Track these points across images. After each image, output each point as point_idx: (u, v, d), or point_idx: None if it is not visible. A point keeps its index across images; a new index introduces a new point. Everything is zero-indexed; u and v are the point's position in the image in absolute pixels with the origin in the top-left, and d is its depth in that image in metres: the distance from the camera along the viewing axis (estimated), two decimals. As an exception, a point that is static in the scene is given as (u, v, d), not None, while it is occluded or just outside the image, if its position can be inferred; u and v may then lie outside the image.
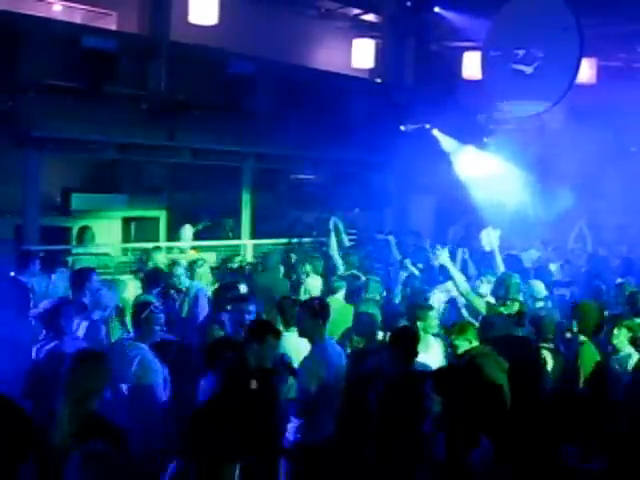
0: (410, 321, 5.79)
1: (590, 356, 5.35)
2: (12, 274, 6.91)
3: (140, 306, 5.18)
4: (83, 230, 10.02)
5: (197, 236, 10.94)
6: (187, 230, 10.39)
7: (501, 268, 7.65)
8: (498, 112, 11.58)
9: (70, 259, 9.19)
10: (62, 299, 5.66)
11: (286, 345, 5.21)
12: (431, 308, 6.04)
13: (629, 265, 9.07)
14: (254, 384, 4.41)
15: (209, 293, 7.17)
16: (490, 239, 7.95)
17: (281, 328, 5.40)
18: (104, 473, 2.82)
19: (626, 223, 11.86)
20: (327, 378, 4.74)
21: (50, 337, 5.04)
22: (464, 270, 7.79)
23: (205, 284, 7.55)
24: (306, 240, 11.22)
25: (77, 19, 11.83)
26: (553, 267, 9.15)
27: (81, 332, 5.57)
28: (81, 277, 6.43)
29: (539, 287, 7.37)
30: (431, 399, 3.58)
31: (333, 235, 9.00)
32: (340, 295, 7.06)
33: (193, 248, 10.26)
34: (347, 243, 9.84)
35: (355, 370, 5.14)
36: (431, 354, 5.53)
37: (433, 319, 5.82)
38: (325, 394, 4.72)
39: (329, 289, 7.34)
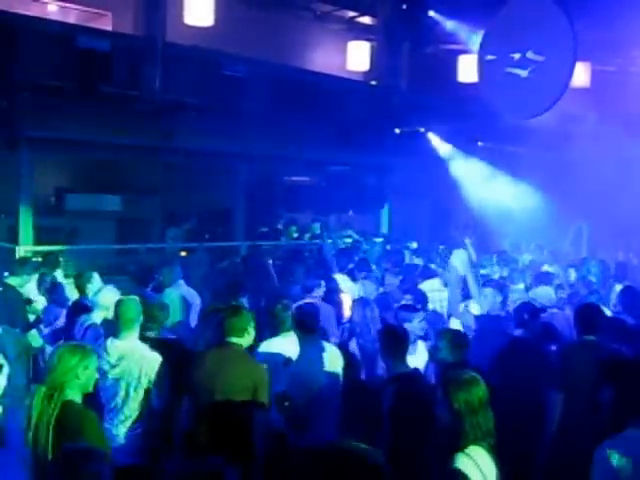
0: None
1: None
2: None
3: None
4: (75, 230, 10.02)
5: (186, 236, 10.91)
6: (171, 233, 10.36)
7: (475, 293, 6.36)
8: (493, 116, 11.59)
9: (63, 260, 9.16)
10: None
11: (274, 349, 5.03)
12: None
13: (624, 270, 9.08)
14: None
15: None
16: (461, 263, 6.24)
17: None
18: None
19: (624, 228, 11.88)
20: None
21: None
22: None
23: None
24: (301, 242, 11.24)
25: (72, 19, 11.80)
26: (550, 269, 9.17)
27: (80, 334, 5.57)
28: (82, 279, 6.46)
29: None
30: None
31: (326, 237, 9.01)
32: None
33: (184, 249, 10.24)
34: (340, 244, 9.90)
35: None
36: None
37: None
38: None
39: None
